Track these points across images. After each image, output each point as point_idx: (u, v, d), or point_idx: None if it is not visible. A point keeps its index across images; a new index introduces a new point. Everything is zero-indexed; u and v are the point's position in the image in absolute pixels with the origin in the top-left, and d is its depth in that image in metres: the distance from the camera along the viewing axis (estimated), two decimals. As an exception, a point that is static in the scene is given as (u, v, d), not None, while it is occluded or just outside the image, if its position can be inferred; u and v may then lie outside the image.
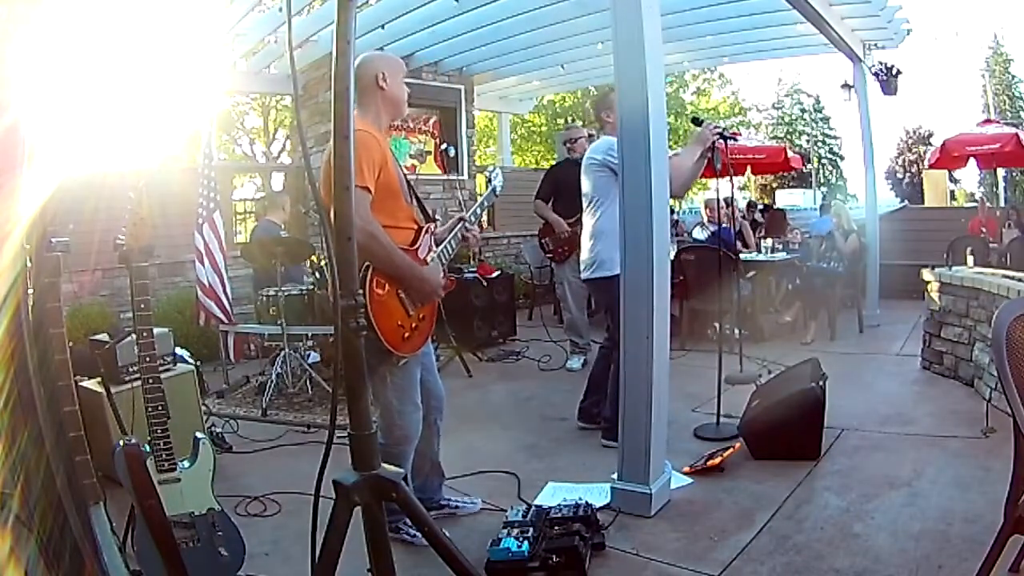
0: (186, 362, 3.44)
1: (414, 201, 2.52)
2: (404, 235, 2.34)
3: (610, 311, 3.45)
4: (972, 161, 9.44)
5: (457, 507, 2.74)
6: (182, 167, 5.93)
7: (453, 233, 2.55)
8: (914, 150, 27.68)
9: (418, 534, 2.32)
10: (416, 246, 2.37)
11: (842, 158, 30.29)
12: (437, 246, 2.48)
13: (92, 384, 2.97)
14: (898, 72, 6.50)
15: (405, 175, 2.47)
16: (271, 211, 5.62)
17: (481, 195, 2.85)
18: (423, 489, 2.64)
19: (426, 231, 2.44)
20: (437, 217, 2.71)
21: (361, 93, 2.30)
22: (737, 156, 9.11)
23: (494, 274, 6.32)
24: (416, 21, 6.06)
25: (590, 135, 5.10)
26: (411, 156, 7.49)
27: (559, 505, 2.49)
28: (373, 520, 1.43)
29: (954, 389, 4.17)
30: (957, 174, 21.94)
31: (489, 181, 2.90)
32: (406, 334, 2.27)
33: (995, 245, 7.84)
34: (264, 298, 4.73)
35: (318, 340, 4.89)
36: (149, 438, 2.05)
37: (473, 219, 2.65)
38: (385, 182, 2.24)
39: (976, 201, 12.76)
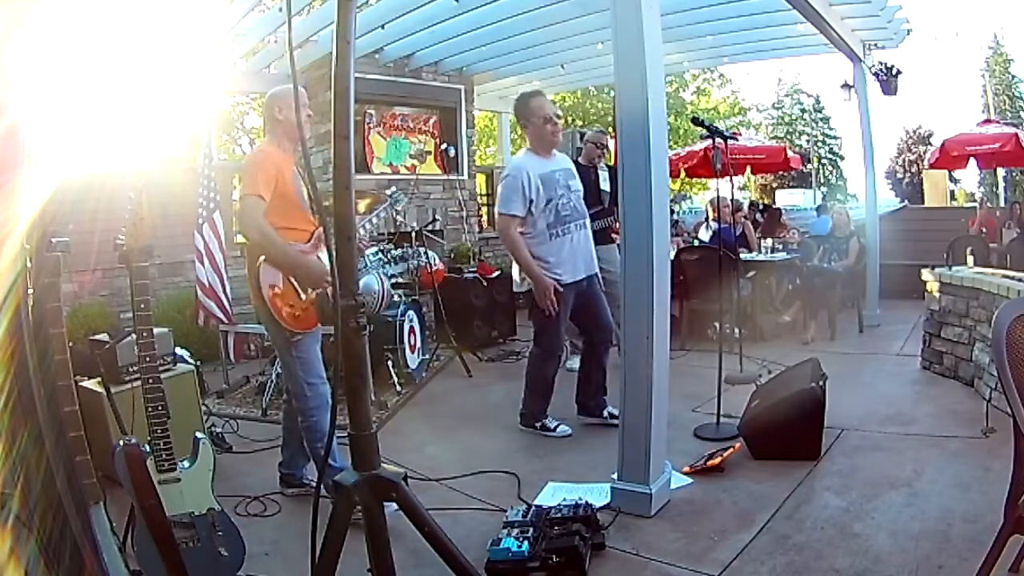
0: (186, 362, 3.44)
1: (316, 208, 2.85)
2: (299, 235, 2.72)
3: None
4: (972, 161, 9.44)
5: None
6: (182, 167, 5.92)
7: None
8: (914, 150, 27.67)
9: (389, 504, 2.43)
10: (309, 244, 2.74)
11: (842, 158, 30.30)
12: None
13: (92, 384, 2.98)
14: (898, 72, 6.49)
15: (306, 188, 2.82)
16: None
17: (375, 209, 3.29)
18: (289, 465, 2.98)
19: (319, 233, 2.79)
20: (397, 220, 3.28)
21: (267, 122, 2.89)
22: (737, 156, 9.11)
23: (494, 274, 6.32)
24: (416, 21, 6.05)
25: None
26: (411, 156, 7.48)
27: (559, 505, 2.50)
28: (373, 520, 1.44)
29: (954, 389, 4.17)
30: (957, 174, 21.94)
31: (389, 196, 3.32)
32: (297, 313, 2.66)
33: (995, 245, 7.84)
34: (264, 298, 4.73)
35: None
36: (149, 438, 2.05)
37: (363, 231, 3.12)
38: (281, 192, 2.63)
39: (976, 201, 12.76)
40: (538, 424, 3.70)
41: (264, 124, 2.88)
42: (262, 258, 2.61)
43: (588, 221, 3.74)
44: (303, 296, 2.67)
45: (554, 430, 3.66)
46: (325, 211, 1.67)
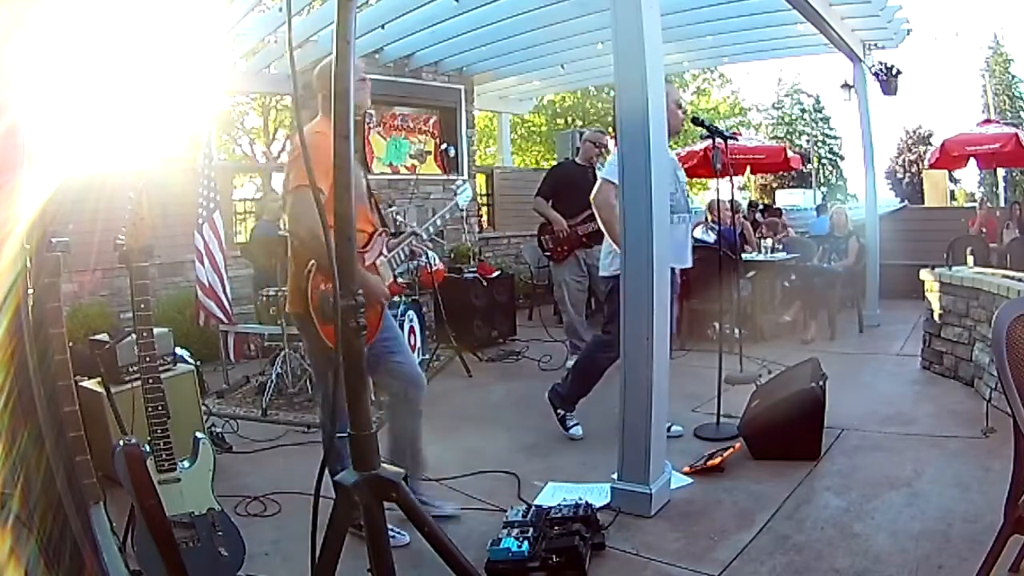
0: (186, 362, 3.44)
1: (373, 206, 2.59)
2: (357, 237, 2.39)
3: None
4: (972, 161, 9.43)
5: (424, 504, 2.71)
6: (182, 167, 5.92)
7: (405, 242, 2.62)
8: (914, 150, 27.66)
9: (403, 534, 2.35)
10: (367, 249, 2.44)
11: (842, 158, 30.28)
12: (389, 252, 2.55)
13: (92, 384, 2.97)
14: (898, 72, 6.49)
15: (367, 179, 2.55)
16: (267, 212, 5.65)
17: (443, 209, 2.94)
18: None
19: (379, 235, 2.52)
20: (398, 220, 2.78)
21: (319, 103, 2.51)
22: (737, 156, 9.09)
23: (494, 274, 6.33)
24: (416, 21, 6.05)
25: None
26: (411, 156, 7.49)
27: (559, 505, 2.50)
28: (373, 520, 1.43)
29: (954, 389, 4.17)
30: (957, 174, 21.92)
31: (455, 194, 2.96)
32: None
33: (995, 245, 7.84)
34: (264, 298, 4.74)
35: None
36: (149, 438, 2.05)
37: (425, 235, 2.73)
38: None
39: (976, 201, 12.77)
40: (561, 412, 3.63)
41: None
42: (312, 263, 2.28)
43: (689, 216, 3.62)
44: None
45: (567, 429, 3.62)
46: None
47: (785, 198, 22.66)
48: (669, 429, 3.24)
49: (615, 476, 2.73)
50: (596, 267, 4.87)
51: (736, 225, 6.48)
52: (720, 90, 20.56)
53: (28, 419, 1.43)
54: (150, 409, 2.03)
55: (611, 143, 4.94)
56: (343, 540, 1.42)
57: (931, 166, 10.95)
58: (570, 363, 5.18)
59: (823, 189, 26.11)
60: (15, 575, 1.32)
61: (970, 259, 5.00)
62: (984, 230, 8.52)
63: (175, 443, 2.08)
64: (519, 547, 2.23)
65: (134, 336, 2.11)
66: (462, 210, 2.99)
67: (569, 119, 16.80)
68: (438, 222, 2.86)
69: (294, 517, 2.70)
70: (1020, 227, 8.09)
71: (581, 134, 6.67)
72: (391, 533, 2.36)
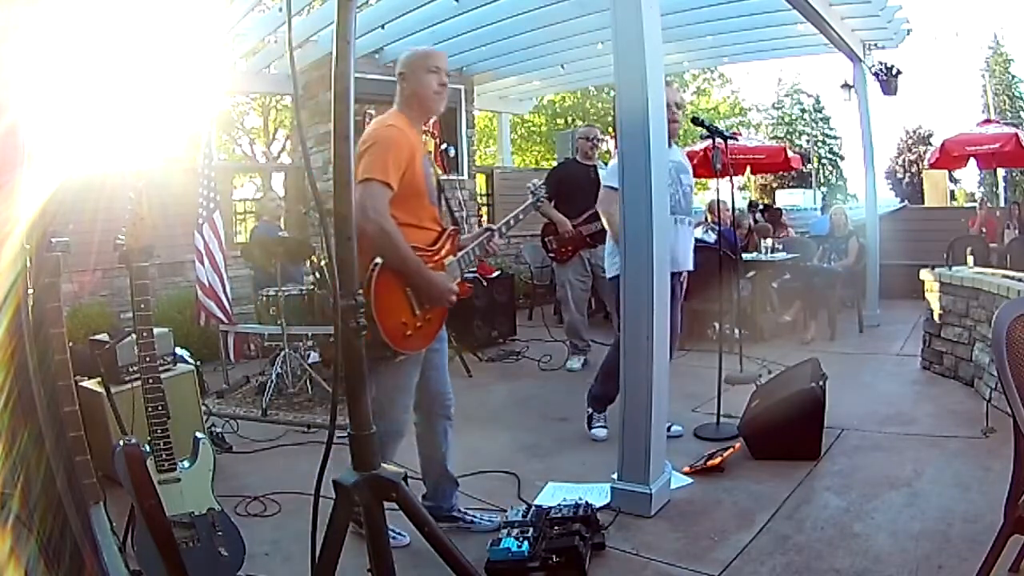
0: (186, 362, 3.44)
1: (443, 203, 2.52)
2: (426, 235, 2.36)
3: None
4: (972, 161, 9.44)
5: (472, 522, 2.60)
6: (182, 167, 5.92)
7: (478, 241, 2.52)
8: (914, 150, 27.66)
9: (404, 535, 2.35)
10: (436, 247, 2.38)
11: (842, 158, 30.30)
12: (459, 251, 2.47)
13: (92, 384, 2.97)
14: (898, 72, 6.50)
15: (437, 177, 2.49)
16: (267, 212, 5.65)
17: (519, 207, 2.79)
18: (433, 496, 2.60)
19: (448, 234, 2.45)
20: (460, 216, 2.70)
21: (397, 94, 2.40)
22: (737, 156, 9.09)
23: (494, 274, 6.32)
24: (416, 21, 6.06)
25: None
26: (411, 156, 7.48)
27: (559, 505, 2.49)
28: (373, 520, 1.44)
29: (954, 389, 4.17)
30: (957, 174, 21.94)
31: (533, 193, 2.85)
32: (408, 332, 2.27)
33: (995, 245, 7.84)
34: (264, 298, 4.73)
35: (318, 340, 4.89)
36: (149, 438, 2.05)
37: (505, 229, 2.62)
38: (410, 181, 2.25)
39: (976, 201, 12.77)
40: (590, 410, 3.62)
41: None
42: (378, 260, 2.17)
43: (691, 219, 3.60)
44: (417, 311, 2.29)
45: (590, 428, 3.60)
46: (326, 212, 1.60)
47: (785, 198, 22.66)
48: (669, 429, 3.24)
49: (615, 476, 2.73)
50: (600, 267, 4.87)
51: (741, 239, 6.45)
52: (720, 90, 20.59)
53: (28, 419, 1.43)
54: (150, 409, 2.03)
55: (610, 142, 4.95)
56: (343, 540, 1.42)
57: (931, 166, 10.96)
58: (570, 363, 5.19)
59: (823, 189, 26.11)
60: (15, 575, 1.32)
61: (970, 259, 5.00)
62: (984, 230, 8.52)
63: (175, 443, 2.07)
64: (519, 547, 2.23)
65: (134, 336, 2.10)
66: (538, 208, 2.83)
67: (569, 119, 16.81)
68: (511, 222, 2.72)
69: (294, 517, 2.70)
70: (1020, 227, 8.10)
71: (578, 134, 6.67)
72: (391, 533, 2.37)
